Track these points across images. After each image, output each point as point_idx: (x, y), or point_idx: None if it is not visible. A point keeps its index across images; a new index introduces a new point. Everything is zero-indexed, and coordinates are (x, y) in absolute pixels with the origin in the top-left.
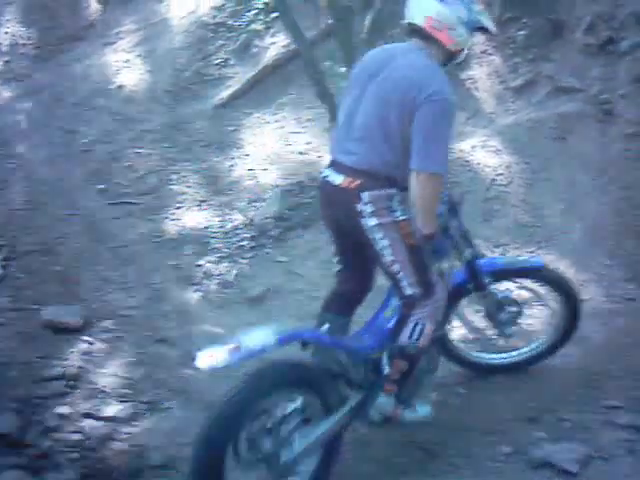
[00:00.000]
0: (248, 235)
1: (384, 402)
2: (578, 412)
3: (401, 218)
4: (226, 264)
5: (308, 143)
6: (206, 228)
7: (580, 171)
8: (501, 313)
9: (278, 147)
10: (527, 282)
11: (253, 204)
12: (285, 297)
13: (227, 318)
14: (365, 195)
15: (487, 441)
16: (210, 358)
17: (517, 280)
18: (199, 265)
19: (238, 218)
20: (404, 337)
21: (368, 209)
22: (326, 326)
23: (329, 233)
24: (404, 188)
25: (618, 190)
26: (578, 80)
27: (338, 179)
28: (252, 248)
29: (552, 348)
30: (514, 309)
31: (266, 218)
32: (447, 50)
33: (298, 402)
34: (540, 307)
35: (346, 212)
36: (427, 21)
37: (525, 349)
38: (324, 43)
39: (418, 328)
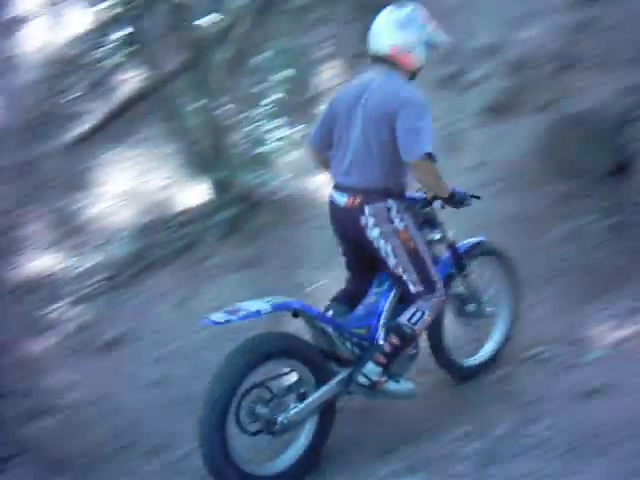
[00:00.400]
0: (103, 276)
1: (372, 369)
2: (433, 442)
3: (400, 226)
4: (81, 308)
5: (166, 179)
6: (59, 271)
7: None
8: (479, 293)
9: (134, 184)
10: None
11: (108, 244)
12: (142, 339)
13: (84, 362)
14: (366, 209)
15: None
16: (213, 316)
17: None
18: (52, 310)
19: (92, 259)
20: (404, 318)
21: (371, 221)
22: (330, 312)
23: (339, 243)
24: (399, 195)
25: None
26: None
27: (342, 200)
28: (107, 290)
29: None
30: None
31: (121, 258)
32: (410, 69)
33: (293, 377)
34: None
35: (353, 227)
36: (392, 50)
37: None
38: (181, 77)
39: (418, 314)
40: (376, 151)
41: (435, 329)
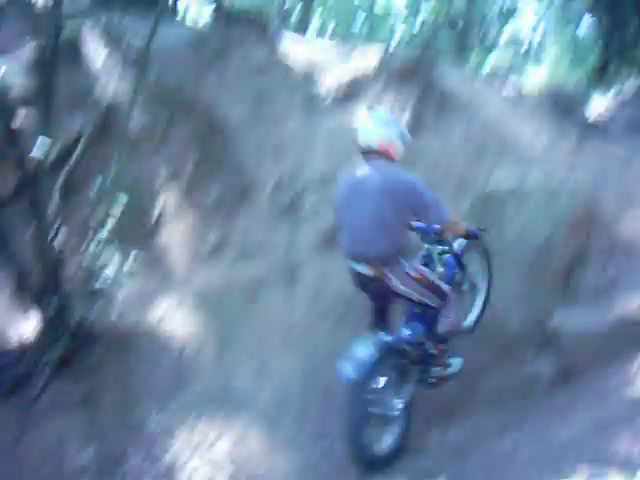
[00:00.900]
0: None
1: (437, 370)
2: None
3: (411, 272)
4: None
5: None
6: None
7: (269, 333)
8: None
9: None
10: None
11: None
12: None
13: None
14: (388, 273)
15: None
16: (347, 373)
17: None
18: None
19: None
20: (441, 328)
21: (393, 279)
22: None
23: (368, 297)
24: (405, 249)
25: (304, 349)
26: (265, 242)
27: (366, 269)
28: None
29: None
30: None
31: None
32: (395, 158)
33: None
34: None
35: (379, 287)
36: (380, 144)
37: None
38: (13, 204)
39: (446, 320)
40: (386, 224)
41: None
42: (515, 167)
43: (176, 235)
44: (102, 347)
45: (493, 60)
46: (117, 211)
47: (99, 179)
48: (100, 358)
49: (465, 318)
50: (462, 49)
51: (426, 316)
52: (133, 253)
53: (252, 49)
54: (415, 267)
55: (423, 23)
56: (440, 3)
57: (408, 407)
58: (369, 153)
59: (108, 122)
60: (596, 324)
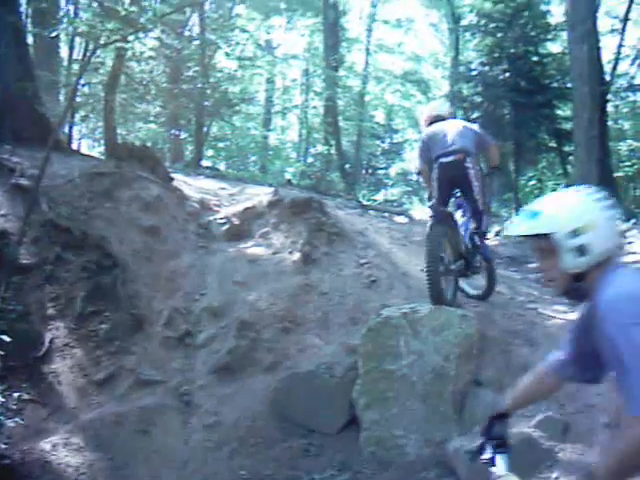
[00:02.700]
0: None
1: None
2: None
3: (479, 170)
4: None
5: None
6: None
7: (164, 464)
8: None
9: None
10: None
11: None
12: None
13: None
14: (468, 159)
15: None
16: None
17: None
18: None
19: None
20: (483, 225)
21: (470, 166)
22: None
23: (440, 187)
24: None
25: None
26: (159, 372)
27: (450, 158)
28: None
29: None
30: None
31: None
32: None
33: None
34: None
35: (460, 170)
36: (447, 111)
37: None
38: None
39: (486, 220)
40: (468, 136)
41: None
42: (407, 296)
43: (66, 365)
44: None
45: (383, 195)
46: (3, 342)
47: None
48: None
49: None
50: (352, 184)
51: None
52: (19, 389)
53: (144, 185)
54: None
55: (315, 156)
56: (329, 139)
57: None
58: (438, 119)
59: None
60: None
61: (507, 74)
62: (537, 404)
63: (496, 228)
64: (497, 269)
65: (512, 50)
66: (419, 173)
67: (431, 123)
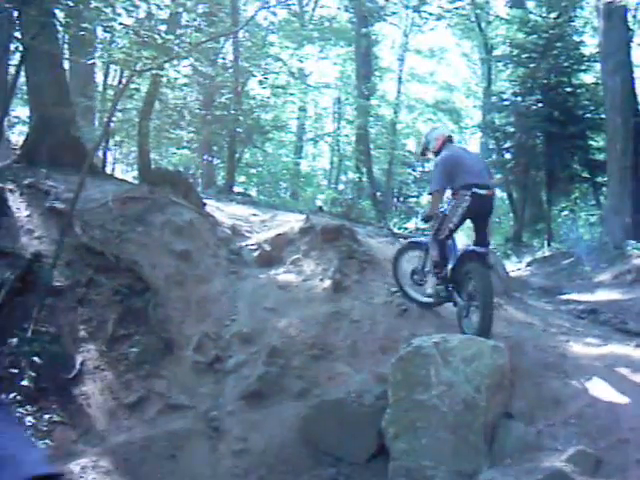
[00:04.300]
0: None
1: None
2: None
3: None
4: None
5: None
6: None
7: None
8: None
9: None
10: None
11: None
12: None
13: None
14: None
15: None
16: None
17: None
18: None
19: None
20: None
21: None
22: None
23: (464, 218)
24: None
25: None
26: (188, 397)
27: (484, 192)
28: None
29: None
30: None
31: None
32: None
33: None
34: None
35: (490, 203)
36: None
37: None
38: None
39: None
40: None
41: None
42: (438, 326)
43: (97, 388)
44: None
45: (414, 223)
46: (35, 363)
47: (19, 331)
48: None
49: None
50: (383, 212)
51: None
52: (50, 411)
53: (177, 210)
54: None
55: (347, 184)
56: (361, 167)
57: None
58: (450, 140)
59: (30, 275)
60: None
61: (540, 104)
62: (568, 438)
63: (527, 259)
64: (528, 300)
65: (545, 80)
66: (432, 193)
67: (443, 144)
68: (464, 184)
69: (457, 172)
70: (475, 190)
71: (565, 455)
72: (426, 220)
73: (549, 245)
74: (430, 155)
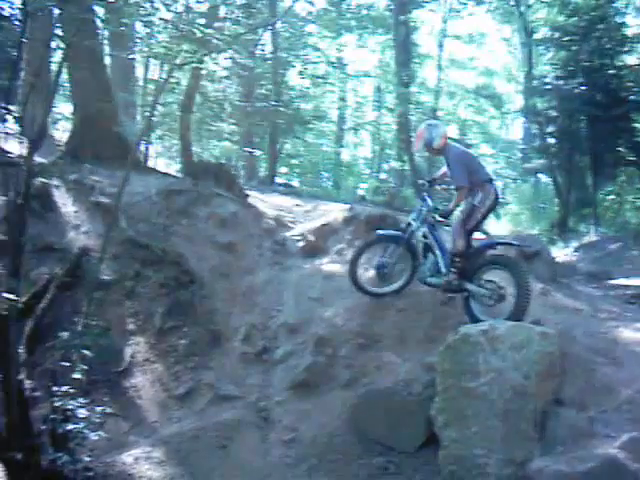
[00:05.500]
0: None
1: None
2: None
3: None
4: None
5: None
6: None
7: (242, 478)
8: None
9: None
10: None
11: None
12: None
13: None
14: None
15: None
16: None
17: None
18: None
19: None
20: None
21: None
22: None
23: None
24: None
25: None
26: (237, 388)
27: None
28: None
29: None
30: None
31: None
32: None
33: None
34: None
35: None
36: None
37: None
38: None
39: None
40: None
41: None
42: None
43: (147, 380)
44: None
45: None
46: (86, 356)
47: (68, 328)
48: None
49: None
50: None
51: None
52: (101, 402)
53: (221, 202)
54: None
55: (389, 172)
56: (402, 155)
57: None
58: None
59: (78, 270)
60: (577, 467)
61: (583, 87)
62: (621, 424)
63: (574, 244)
64: (576, 285)
65: (587, 63)
66: (460, 188)
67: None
68: (486, 179)
69: (474, 167)
70: (496, 189)
71: (618, 442)
72: (446, 216)
73: (596, 230)
74: (430, 152)
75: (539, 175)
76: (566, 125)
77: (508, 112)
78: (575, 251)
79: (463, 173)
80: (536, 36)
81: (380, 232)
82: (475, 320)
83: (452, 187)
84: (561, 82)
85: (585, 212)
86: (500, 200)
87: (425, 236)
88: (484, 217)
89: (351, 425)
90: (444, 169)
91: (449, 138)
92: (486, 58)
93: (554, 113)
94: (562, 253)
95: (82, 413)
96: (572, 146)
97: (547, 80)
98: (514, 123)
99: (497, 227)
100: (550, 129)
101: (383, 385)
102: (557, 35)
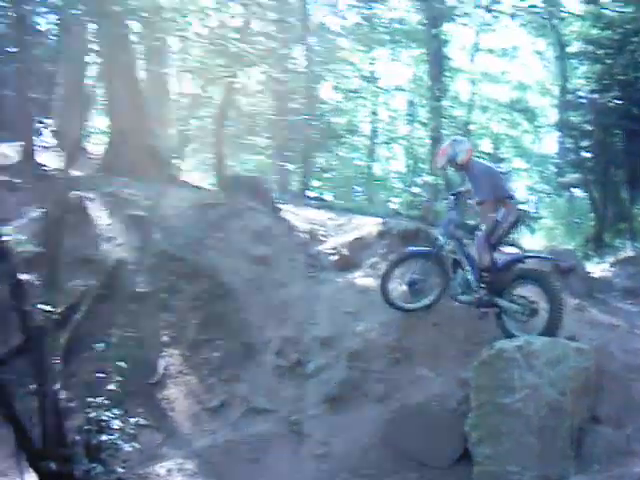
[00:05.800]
0: None
1: None
2: None
3: None
4: None
5: None
6: None
7: None
8: None
9: None
10: None
11: None
12: None
13: None
14: None
15: None
16: None
17: None
18: None
19: None
20: None
21: None
22: None
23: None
24: None
25: None
26: (270, 401)
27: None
28: None
29: None
30: None
31: None
32: None
33: None
34: None
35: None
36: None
37: None
38: (15, 362)
39: None
40: None
41: None
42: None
43: (180, 392)
44: None
45: None
46: (120, 368)
47: (103, 339)
48: None
49: None
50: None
51: None
52: (135, 413)
53: (254, 215)
54: None
55: (422, 186)
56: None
57: None
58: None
59: (113, 282)
60: None
61: (618, 101)
62: None
63: (610, 259)
64: (612, 301)
65: (622, 77)
66: (483, 202)
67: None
68: (508, 195)
69: (496, 183)
70: (519, 206)
71: None
72: (472, 231)
73: (632, 245)
74: (453, 167)
75: (574, 189)
76: (601, 139)
77: (542, 126)
78: (611, 266)
79: (487, 187)
80: (570, 49)
81: (411, 248)
82: (509, 335)
83: (471, 200)
84: (596, 96)
85: (621, 227)
86: (523, 216)
87: (453, 251)
88: (507, 233)
89: (384, 440)
90: (468, 185)
91: (475, 153)
92: (519, 72)
93: (589, 127)
94: (598, 268)
95: (116, 424)
96: (607, 160)
97: (581, 94)
98: (547, 137)
99: (531, 242)
100: (585, 143)
101: (416, 400)
102: (591, 48)
